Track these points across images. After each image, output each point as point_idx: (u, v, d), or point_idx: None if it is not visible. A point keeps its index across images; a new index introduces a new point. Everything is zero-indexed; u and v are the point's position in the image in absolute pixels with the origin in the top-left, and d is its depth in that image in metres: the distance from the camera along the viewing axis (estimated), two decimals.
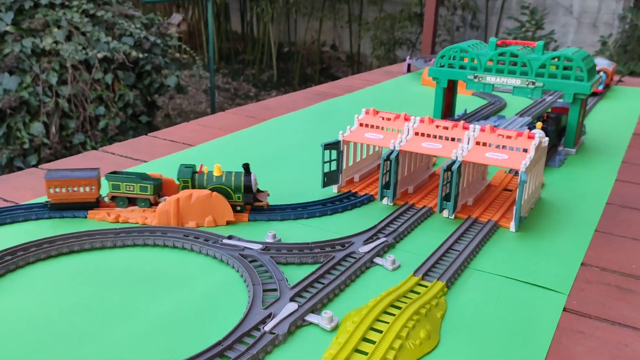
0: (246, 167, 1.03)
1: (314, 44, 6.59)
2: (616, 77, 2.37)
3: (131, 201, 1.03)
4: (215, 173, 1.03)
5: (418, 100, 2.00)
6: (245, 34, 7.00)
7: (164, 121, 5.08)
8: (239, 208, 1.04)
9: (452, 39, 5.69)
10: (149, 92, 3.84)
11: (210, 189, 1.01)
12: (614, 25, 4.97)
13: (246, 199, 1.03)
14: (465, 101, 1.98)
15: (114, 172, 1.02)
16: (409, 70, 2.53)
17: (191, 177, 1.02)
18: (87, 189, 1.00)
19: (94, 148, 3.46)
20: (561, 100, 1.48)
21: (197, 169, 1.05)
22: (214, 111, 5.06)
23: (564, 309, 0.81)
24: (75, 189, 0.99)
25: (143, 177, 1.02)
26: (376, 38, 5.80)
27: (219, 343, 0.68)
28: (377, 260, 0.91)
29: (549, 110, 1.41)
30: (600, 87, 1.73)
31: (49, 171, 1.01)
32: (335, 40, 6.65)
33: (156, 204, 1.02)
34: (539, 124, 1.26)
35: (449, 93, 1.62)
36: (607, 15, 5.00)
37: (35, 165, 3.16)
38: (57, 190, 0.99)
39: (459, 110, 1.80)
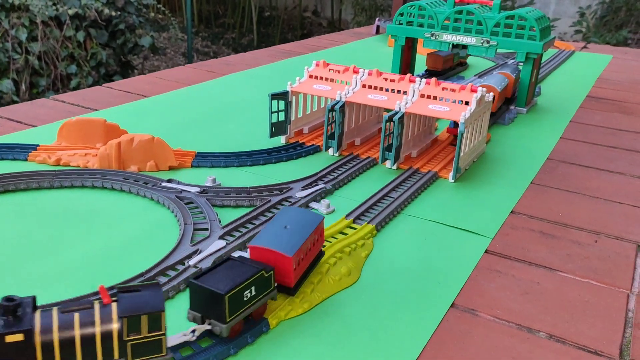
0: None
1: (296, 9, 6.50)
2: (580, 45, 2.38)
3: None
4: None
5: (382, 60, 2.00)
6: None
7: None
8: None
9: None
10: (122, 52, 3.78)
11: None
12: None
13: None
14: None
15: None
16: (377, 32, 2.52)
17: None
18: None
19: None
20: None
21: None
22: None
23: (486, 251, 0.84)
24: None
25: None
26: (358, 4, 5.75)
27: (141, 274, 0.70)
28: (313, 204, 0.93)
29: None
30: None
31: None
32: (317, 5, 6.57)
33: None
34: None
35: (408, 52, 1.63)
36: None
37: None
38: None
39: (418, 70, 1.80)
